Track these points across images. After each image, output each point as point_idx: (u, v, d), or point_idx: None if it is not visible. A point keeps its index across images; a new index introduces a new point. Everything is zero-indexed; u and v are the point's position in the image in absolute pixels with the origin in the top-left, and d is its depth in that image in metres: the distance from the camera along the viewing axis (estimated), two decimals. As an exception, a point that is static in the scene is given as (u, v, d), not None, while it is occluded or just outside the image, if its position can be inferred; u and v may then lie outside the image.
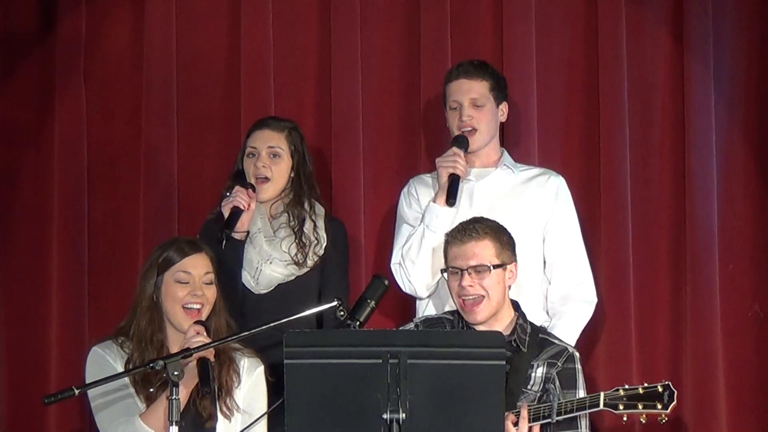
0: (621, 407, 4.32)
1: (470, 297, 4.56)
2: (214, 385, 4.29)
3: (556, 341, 4.63)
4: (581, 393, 4.52)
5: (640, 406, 4.31)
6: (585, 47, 5.56)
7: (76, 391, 3.99)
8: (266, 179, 5.01)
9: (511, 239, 4.67)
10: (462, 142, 5.04)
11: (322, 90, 5.61)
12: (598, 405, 4.34)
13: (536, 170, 5.17)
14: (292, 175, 5.05)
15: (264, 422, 4.45)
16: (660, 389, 4.32)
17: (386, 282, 4.39)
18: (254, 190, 4.98)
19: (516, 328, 4.60)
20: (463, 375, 3.81)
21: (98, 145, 5.65)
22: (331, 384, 3.82)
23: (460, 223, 4.68)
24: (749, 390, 5.45)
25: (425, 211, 5.01)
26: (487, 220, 4.67)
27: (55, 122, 5.62)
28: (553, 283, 5.05)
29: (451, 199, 4.93)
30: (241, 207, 4.92)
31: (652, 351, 5.47)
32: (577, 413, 4.38)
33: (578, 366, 4.60)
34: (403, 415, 3.74)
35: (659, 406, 4.29)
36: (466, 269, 4.56)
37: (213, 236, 4.90)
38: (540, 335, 4.63)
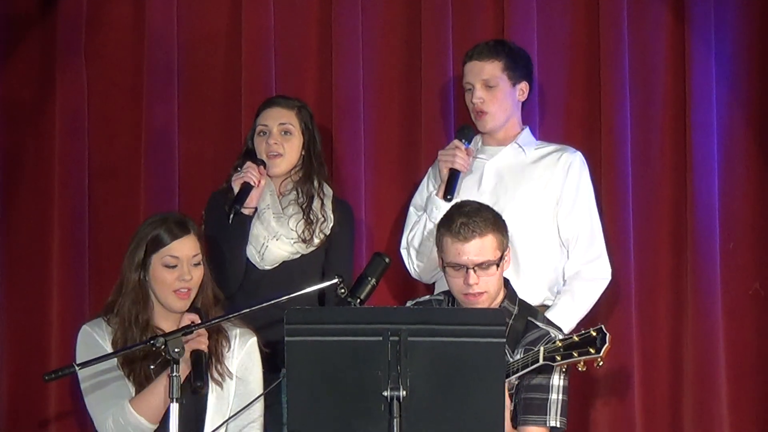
0: (558, 358, 4.26)
1: (474, 292, 4.48)
2: (207, 378, 4.27)
3: (540, 325, 4.50)
4: (556, 378, 4.38)
5: (576, 354, 4.24)
6: (586, 27, 5.55)
7: (77, 368, 3.99)
8: (279, 155, 5.01)
9: (505, 224, 4.55)
10: (466, 133, 5.00)
11: (324, 71, 5.60)
12: (538, 360, 4.29)
13: (551, 147, 5.09)
14: (303, 152, 5.06)
15: (261, 399, 4.43)
16: (594, 334, 4.25)
17: (387, 259, 4.37)
18: (265, 167, 4.98)
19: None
20: (464, 352, 3.79)
21: (99, 126, 5.64)
22: (331, 362, 3.81)
23: (458, 218, 4.47)
24: (750, 369, 5.44)
25: (427, 201, 4.98)
26: (483, 211, 4.51)
27: (56, 103, 5.61)
28: (569, 260, 5.01)
29: (448, 194, 4.88)
30: (252, 183, 4.92)
31: (652, 330, 5.46)
32: (522, 372, 4.32)
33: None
34: (404, 392, 3.73)
35: (592, 351, 4.22)
36: (472, 267, 4.45)
37: (220, 209, 4.92)
38: (528, 318, 4.52)
